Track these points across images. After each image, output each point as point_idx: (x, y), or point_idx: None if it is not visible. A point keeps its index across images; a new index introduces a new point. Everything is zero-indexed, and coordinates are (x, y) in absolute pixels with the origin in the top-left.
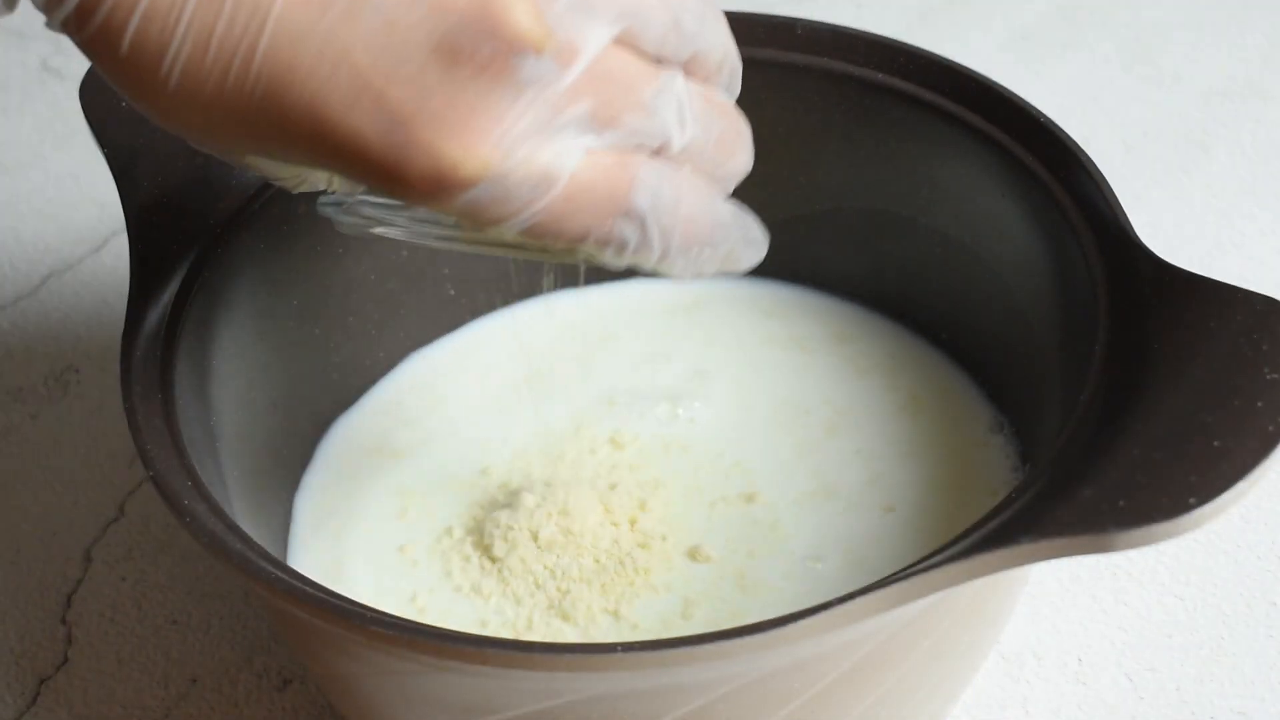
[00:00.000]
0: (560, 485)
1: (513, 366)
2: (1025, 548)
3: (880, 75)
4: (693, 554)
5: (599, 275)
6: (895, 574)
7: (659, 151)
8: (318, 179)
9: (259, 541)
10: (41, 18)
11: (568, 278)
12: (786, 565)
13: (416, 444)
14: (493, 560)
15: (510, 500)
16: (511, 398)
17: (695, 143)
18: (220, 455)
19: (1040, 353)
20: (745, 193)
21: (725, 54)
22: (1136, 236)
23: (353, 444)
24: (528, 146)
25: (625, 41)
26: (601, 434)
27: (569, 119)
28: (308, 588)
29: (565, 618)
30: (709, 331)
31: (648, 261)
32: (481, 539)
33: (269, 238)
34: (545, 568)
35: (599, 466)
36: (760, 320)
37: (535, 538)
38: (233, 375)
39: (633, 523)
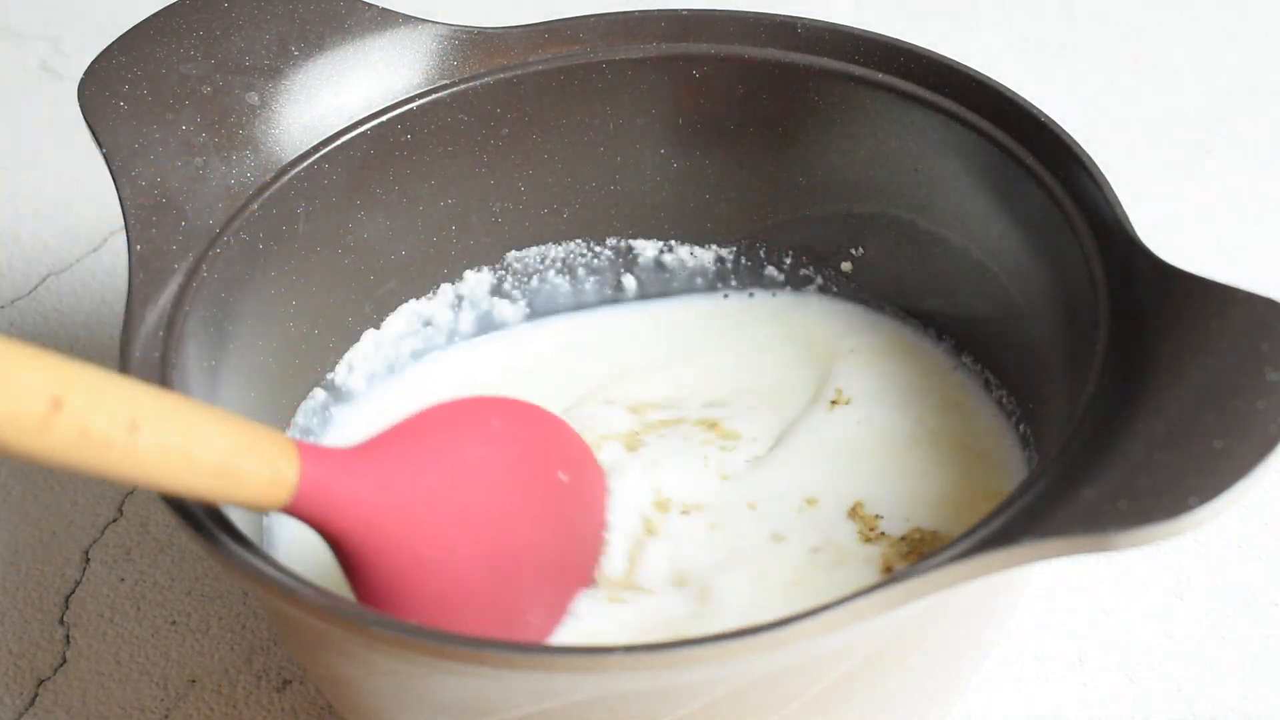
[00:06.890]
0: None
1: (512, 366)
2: (1026, 548)
3: (880, 75)
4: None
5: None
6: (896, 574)
7: None
8: None
9: (258, 542)
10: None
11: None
12: (784, 558)
13: None
14: None
15: None
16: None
17: None
18: None
19: (1041, 353)
20: (746, 193)
21: None
22: (1137, 237)
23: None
24: None
25: None
26: (615, 430)
27: None
28: (307, 588)
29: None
30: (711, 336)
31: None
32: None
33: (268, 238)
34: None
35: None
36: (761, 320)
37: None
38: (231, 376)
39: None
